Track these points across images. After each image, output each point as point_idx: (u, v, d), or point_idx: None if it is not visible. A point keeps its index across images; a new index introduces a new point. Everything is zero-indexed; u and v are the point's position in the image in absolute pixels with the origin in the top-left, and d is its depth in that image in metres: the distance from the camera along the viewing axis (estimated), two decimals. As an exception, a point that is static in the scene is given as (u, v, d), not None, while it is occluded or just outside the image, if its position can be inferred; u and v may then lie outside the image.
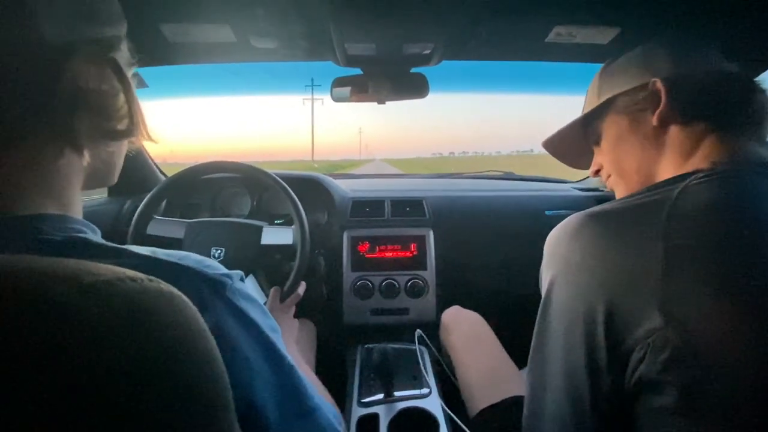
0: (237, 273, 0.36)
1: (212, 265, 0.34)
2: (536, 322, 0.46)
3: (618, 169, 0.55)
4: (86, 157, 0.34)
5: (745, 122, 0.45)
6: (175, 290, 0.23)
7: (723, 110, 0.46)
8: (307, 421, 0.40)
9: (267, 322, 0.37)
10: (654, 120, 0.48)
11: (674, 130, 0.47)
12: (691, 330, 0.33)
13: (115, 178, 0.40)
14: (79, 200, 0.35)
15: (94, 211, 1.10)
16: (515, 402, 0.65)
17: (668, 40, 0.51)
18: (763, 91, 0.47)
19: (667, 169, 0.48)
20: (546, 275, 0.46)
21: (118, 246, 0.31)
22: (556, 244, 0.45)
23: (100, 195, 1.20)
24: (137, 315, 0.20)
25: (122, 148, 0.38)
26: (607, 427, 0.39)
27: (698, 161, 0.44)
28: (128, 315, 0.20)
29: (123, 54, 0.35)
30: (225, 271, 0.34)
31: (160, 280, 0.23)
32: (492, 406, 0.67)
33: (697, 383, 0.33)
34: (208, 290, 0.32)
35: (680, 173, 0.43)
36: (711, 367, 0.33)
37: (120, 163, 0.39)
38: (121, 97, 0.34)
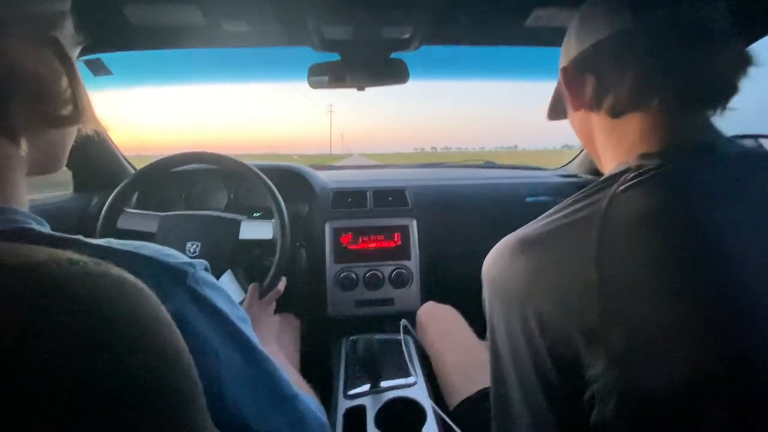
0: (201, 262, 0.34)
1: (173, 254, 0.32)
2: (489, 347, 0.42)
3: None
4: (23, 146, 0.30)
5: (690, 95, 0.37)
6: (127, 275, 0.21)
7: (651, 84, 0.37)
8: (286, 408, 0.39)
9: (234, 312, 0.35)
10: (571, 108, 0.45)
11: (596, 118, 0.44)
12: (635, 375, 0.30)
13: (61, 166, 0.36)
14: (24, 192, 0.31)
15: (59, 207, 1.04)
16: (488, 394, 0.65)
17: None
18: (728, 50, 0.36)
19: (606, 156, 0.44)
20: (486, 299, 0.42)
21: (69, 236, 0.28)
22: (492, 268, 0.41)
23: (66, 191, 1.13)
24: (76, 300, 0.18)
25: (67, 136, 0.35)
26: None
27: (630, 149, 0.39)
28: (63, 301, 0.17)
29: (67, 32, 0.32)
30: (187, 259, 0.32)
31: (109, 264, 0.21)
32: (467, 400, 0.67)
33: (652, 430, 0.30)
34: (167, 279, 0.30)
35: (613, 169, 0.39)
36: (662, 413, 0.29)
37: (66, 151, 0.35)
38: (64, 81, 0.30)
